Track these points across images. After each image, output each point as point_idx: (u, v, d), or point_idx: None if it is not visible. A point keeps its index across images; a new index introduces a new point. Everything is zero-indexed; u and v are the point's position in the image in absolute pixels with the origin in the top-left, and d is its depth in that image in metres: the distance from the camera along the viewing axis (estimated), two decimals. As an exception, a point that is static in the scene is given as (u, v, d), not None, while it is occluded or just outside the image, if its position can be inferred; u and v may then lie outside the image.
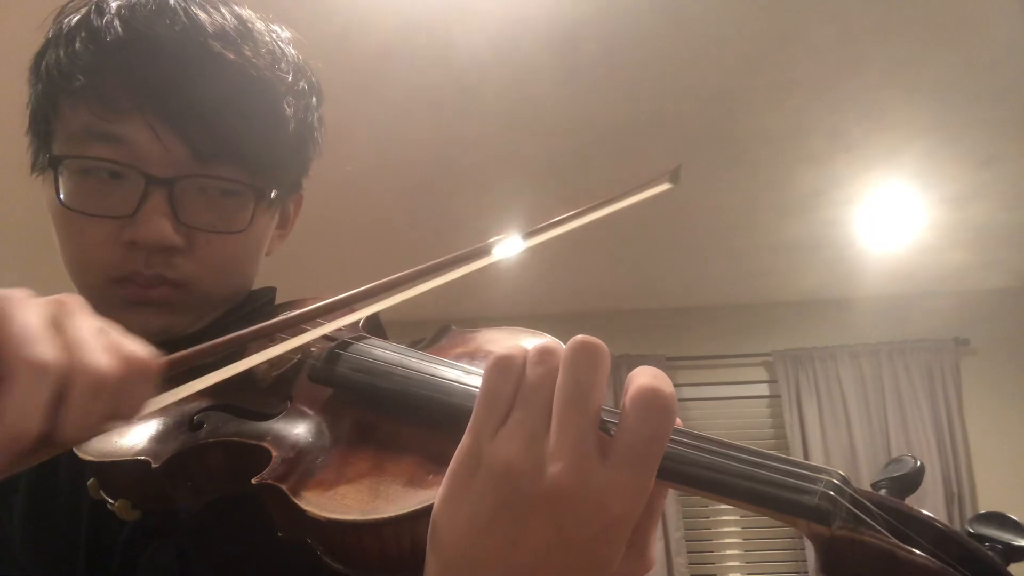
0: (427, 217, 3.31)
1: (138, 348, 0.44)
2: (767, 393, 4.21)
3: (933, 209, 3.37)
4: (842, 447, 3.96)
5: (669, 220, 3.38)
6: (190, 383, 0.48)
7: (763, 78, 2.55)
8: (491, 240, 0.59)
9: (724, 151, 2.94)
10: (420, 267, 0.57)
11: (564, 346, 0.44)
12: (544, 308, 4.11)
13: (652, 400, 0.40)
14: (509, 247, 0.60)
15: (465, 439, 0.43)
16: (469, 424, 0.43)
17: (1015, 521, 0.39)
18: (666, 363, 4.14)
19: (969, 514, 3.75)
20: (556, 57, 2.41)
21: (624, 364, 4.13)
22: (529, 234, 0.58)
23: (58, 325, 0.42)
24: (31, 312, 0.42)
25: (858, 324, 4.10)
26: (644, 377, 0.41)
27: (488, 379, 0.43)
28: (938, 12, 2.27)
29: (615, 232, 3.44)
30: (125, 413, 0.43)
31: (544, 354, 0.43)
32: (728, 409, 4.20)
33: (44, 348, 0.40)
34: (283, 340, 0.55)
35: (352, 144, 2.75)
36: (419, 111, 2.65)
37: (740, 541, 4.07)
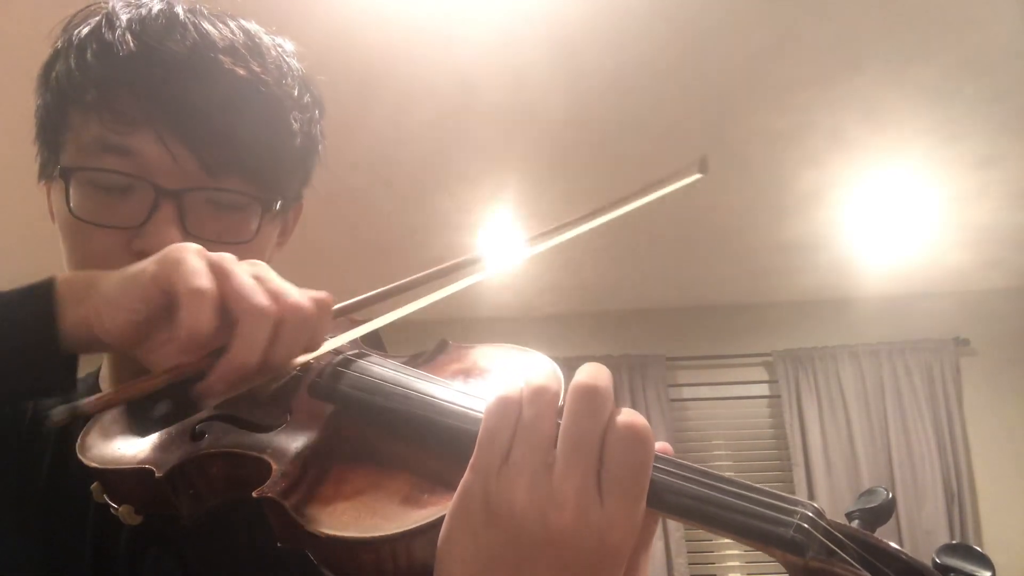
0: (426, 217, 3.31)
1: (317, 292, 0.53)
2: (767, 393, 4.21)
3: (933, 209, 3.37)
4: (842, 447, 3.96)
5: (669, 220, 3.38)
6: (347, 333, 0.56)
7: (763, 78, 2.55)
8: (500, 242, 0.59)
9: (724, 151, 2.94)
10: (429, 271, 0.57)
11: (558, 376, 0.46)
12: (544, 308, 4.11)
13: (632, 435, 0.43)
14: (524, 248, 0.60)
15: (468, 476, 0.44)
16: (471, 462, 0.45)
17: (980, 552, 0.41)
18: (666, 363, 4.14)
19: (969, 514, 3.76)
20: (556, 57, 2.41)
21: (624, 364, 4.14)
22: (554, 230, 0.59)
23: (260, 278, 0.52)
24: (242, 269, 0.51)
25: (858, 324, 4.11)
26: (620, 415, 0.44)
27: (488, 420, 0.45)
28: (938, 12, 2.27)
29: (615, 232, 3.44)
30: (314, 346, 0.53)
31: (538, 393, 0.45)
32: (728, 409, 4.20)
33: (261, 297, 0.50)
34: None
35: (351, 145, 2.75)
36: (419, 111, 2.65)
37: (740, 541, 4.07)
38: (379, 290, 0.57)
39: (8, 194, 2.87)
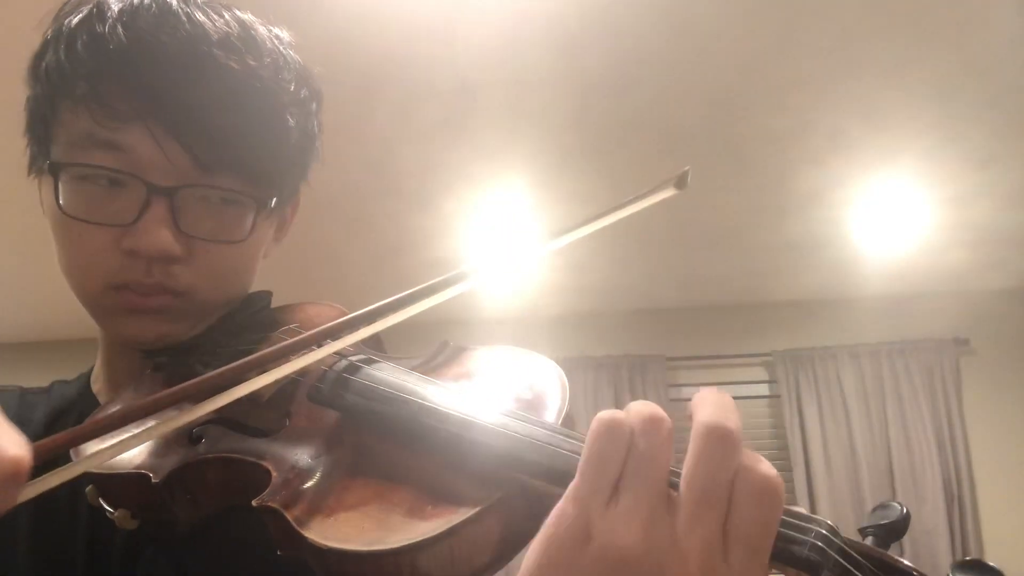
0: (431, 219, 3.31)
1: (5, 447, 0.39)
2: (767, 393, 4.21)
3: (933, 209, 3.37)
4: (842, 447, 3.96)
5: (669, 220, 3.38)
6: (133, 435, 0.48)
7: (763, 78, 2.55)
8: (493, 254, 0.58)
9: (724, 151, 2.94)
10: (424, 285, 0.56)
11: (661, 411, 0.42)
12: (546, 309, 4.11)
13: (767, 489, 0.39)
14: (515, 258, 0.59)
15: (569, 506, 0.40)
16: (572, 489, 0.41)
17: (994, 568, 0.40)
18: (666, 363, 4.14)
19: (969, 514, 3.75)
20: (558, 58, 2.41)
21: (624, 364, 4.14)
22: (535, 244, 0.58)
23: None
24: None
25: (858, 324, 4.10)
26: (750, 459, 0.39)
27: (594, 443, 0.41)
28: (938, 12, 2.27)
29: (615, 232, 3.42)
30: None
31: (653, 423, 0.41)
32: (728, 409, 4.19)
33: None
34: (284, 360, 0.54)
35: (355, 146, 2.75)
36: (422, 113, 2.65)
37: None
38: (380, 303, 0.55)
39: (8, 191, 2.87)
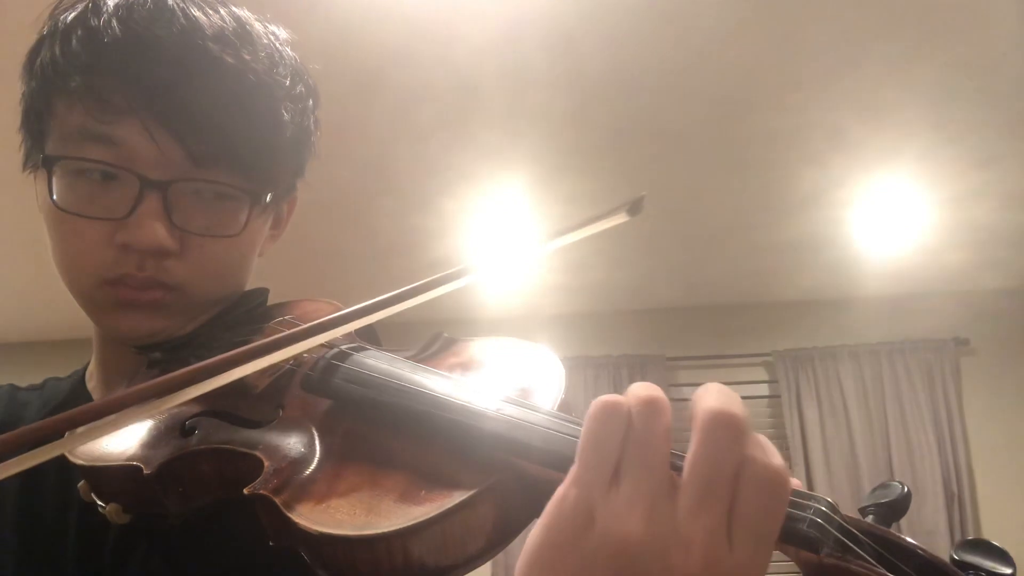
0: (430, 219, 3.31)
1: None
2: (767, 393, 4.21)
3: (933, 209, 3.37)
4: (842, 447, 3.96)
5: (669, 220, 3.38)
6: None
7: (763, 78, 2.55)
8: (487, 253, 0.57)
9: (724, 151, 2.94)
10: (420, 283, 0.55)
11: (660, 392, 0.41)
12: (546, 308, 4.11)
13: (774, 481, 0.38)
14: (504, 259, 0.59)
15: (571, 489, 0.40)
16: (573, 473, 0.40)
17: (999, 548, 0.40)
18: (666, 363, 4.14)
19: (969, 514, 3.75)
20: (556, 57, 2.41)
21: (624, 364, 4.13)
22: (496, 259, 0.57)
23: None
24: None
25: (858, 324, 4.10)
26: (757, 451, 0.39)
27: (592, 426, 0.40)
28: (938, 12, 2.27)
29: (615, 232, 3.42)
30: None
31: (650, 405, 0.41)
32: (728, 409, 4.19)
33: None
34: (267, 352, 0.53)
35: (354, 146, 2.75)
36: (421, 112, 2.65)
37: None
38: (375, 299, 0.55)
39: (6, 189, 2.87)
